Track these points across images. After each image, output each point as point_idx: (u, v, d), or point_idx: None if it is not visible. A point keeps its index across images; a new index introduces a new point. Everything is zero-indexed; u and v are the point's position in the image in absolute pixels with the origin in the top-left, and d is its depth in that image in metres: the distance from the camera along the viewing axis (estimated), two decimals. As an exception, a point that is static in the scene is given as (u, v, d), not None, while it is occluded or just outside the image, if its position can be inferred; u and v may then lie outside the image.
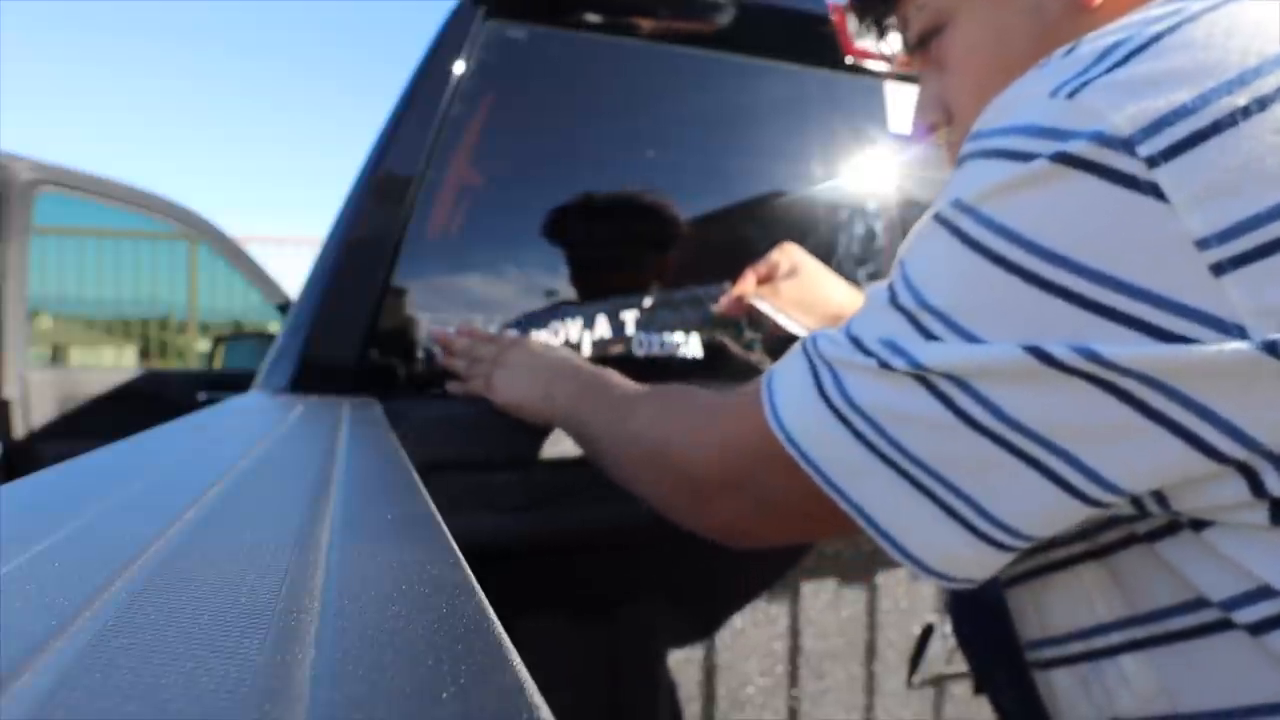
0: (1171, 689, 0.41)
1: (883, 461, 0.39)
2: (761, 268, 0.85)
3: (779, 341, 0.87)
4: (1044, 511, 0.37)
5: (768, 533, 0.54)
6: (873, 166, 1.03)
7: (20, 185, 1.75)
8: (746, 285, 0.85)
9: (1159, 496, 0.37)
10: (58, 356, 3.70)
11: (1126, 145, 0.33)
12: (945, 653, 0.99)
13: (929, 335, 0.38)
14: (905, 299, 0.39)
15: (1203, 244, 0.32)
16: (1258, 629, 0.36)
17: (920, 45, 0.53)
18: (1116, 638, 0.43)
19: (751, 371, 0.93)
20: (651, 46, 0.92)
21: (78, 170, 1.94)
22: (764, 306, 0.83)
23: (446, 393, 0.78)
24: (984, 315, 0.36)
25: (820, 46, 0.98)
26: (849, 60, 1.00)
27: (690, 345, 0.91)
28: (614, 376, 0.68)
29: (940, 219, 0.39)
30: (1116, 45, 0.36)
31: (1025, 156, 0.36)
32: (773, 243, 0.90)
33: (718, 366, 0.92)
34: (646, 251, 0.93)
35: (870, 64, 1.01)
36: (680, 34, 0.92)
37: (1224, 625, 0.38)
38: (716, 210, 0.96)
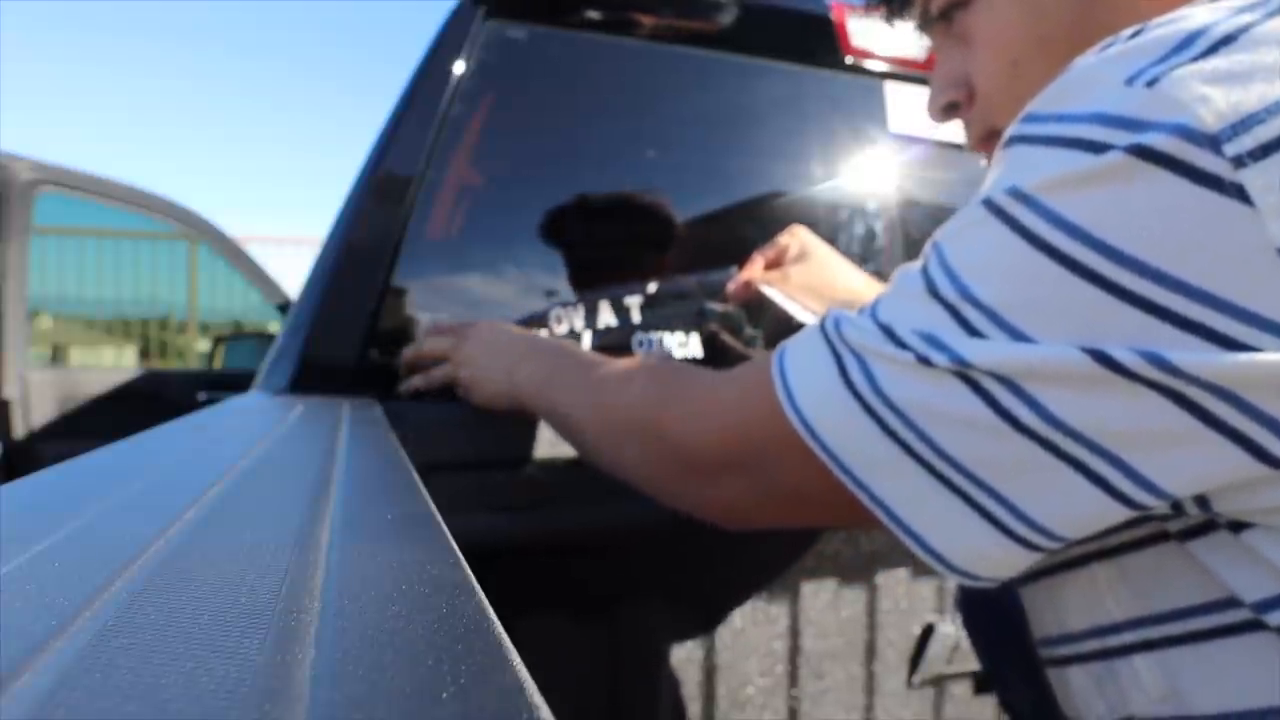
0: (1182, 690, 0.40)
1: (912, 458, 0.37)
2: (770, 252, 0.84)
3: (784, 331, 0.87)
4: (1083, 514, 0.35)
5: (771, 517, 0.52)
6: (873, 166, 1.03)
7: (20, 185, 1.75)
8: (754, 270, 0.83)
9: (1200, 498, 0.35)
10: (58, 356, 3.70)
11: (1212, 142, 0.31)
12: (945, 653, 0.99)
13: (972, 331, 0.35)
14: (946, 289, 0.37)
15: None
16: None
17: (942, 18, 0.51)
18: (1129, 637, 0.42)
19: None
20: (652, 46, 0.92)
21: (78, 170, 1.95)
22: (772, 293, 0.82)
23: (456, 396, 0.78)
24: (1037, 314, 0.34)
25: (820, 46, 0.98)
26: (849, 60, 1.00)
27: (691, 343, 0.90)
28: (582, 352, 0.66)
29: (993, 206, 0.36)
30: (1200, 33, 0.33)
31: (1097, 147, 0.33)
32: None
33: (719, 363, 0.92)
34: (647, 252, 0.93)
35: (870, 64, 1.01)
36: (680, 34, 0.92)
37: (1249, 626, 0.37)
38: (717, 210, 0.96)
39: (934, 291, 0.37)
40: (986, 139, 0.51)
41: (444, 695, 0.16)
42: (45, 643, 0.18)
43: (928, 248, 0.40)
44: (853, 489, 0.40)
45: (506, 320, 0.84)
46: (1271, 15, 0.33)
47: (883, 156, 1.03)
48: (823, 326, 0.43)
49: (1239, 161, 0.30)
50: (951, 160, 1.07)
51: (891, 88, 1.03)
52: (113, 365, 4.17)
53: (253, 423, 0.62)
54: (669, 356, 0.58)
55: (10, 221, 1.70)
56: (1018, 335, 0.34)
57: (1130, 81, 0.33)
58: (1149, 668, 0.41)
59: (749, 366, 0.48)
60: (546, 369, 0.66)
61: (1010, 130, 0.38)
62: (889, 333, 0.38)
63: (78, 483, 0.36)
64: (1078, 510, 0.35)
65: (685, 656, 0.89)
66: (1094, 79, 0.35)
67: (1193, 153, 0.31)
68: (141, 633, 0.19)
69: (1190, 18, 0.35)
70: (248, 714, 0.15)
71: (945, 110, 0.53)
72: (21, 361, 1.69)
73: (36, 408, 1.70)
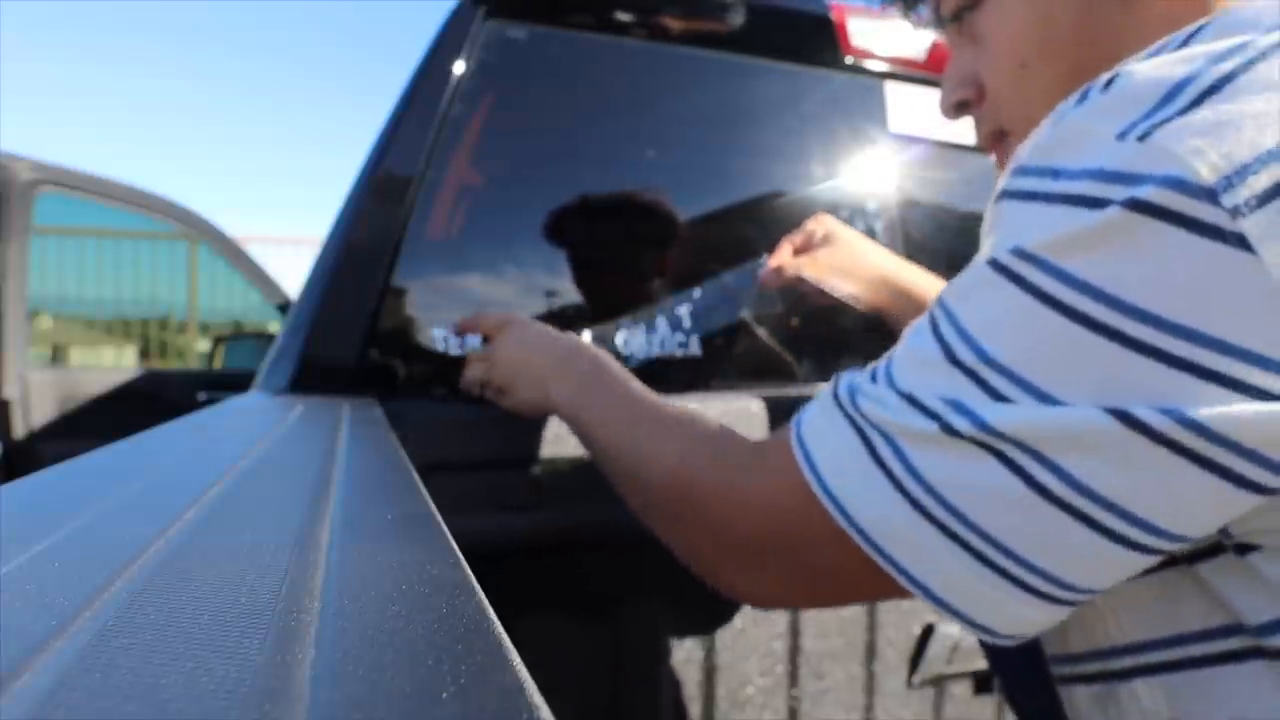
0: (1182, 715, 0.40)
1: (949, 538, 0.37)
2: (797, 238, 0.87)
3: (821, 311, 0.89)
4: (1113, 571, 0.36)
5: (804, 600, 0.51)
6: (873, 166, 1.03)
7: (20, 185, 1.75)
8: (783, 256, 0.87)
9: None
10: (58, 356, 3.70)
11: (1210, 194, 0.31)
12: (945, 653, 0.99)
13: (995, 394, 0.35)
14: (964, 354, 0.36)
15: None
16: None
17: (954, 19, 0.51)
18: (1129, 661, 0.43)
19: (769, 365, 0.93)
20: (651, 46, 0.92)
21: (78, 170, 1.95)
22: (803, 275, 0.86)
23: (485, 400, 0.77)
24: (1059, 373, 0.34)
25: (820, 46, 0.98)
26: (849, 60, 1.00)
27: (692, 342, 0.91)
28: (614, 373, 0.64)
29: (1000, 267, 0.36)
30: (1185, 83, 0.34)
31: (1096, 203, 0.33)
32: (774, 243, 0.91)
33: (722, 360, 0.92)
34: (647, 251, 0.93)
35: (870, 64, 1.01)
36: (680, 34, 0.92)
37: (1250, 653, 0.38)
38: (717, 210, 0.96)
39: (952, 358, 0.37)
40: (995, 138, 0.52)
41: (444, 695, 0.16)
42: (45, 643, 0.18)
43: (935, 309, 0.40)
44: (890, 571, 0.39)
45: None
46: (1253, 63, 0.34)
47: (883, 156, 1.03)
48: (837, 398, 0.42)
49: (1237, 211, 0.31)
50: (951, 160, 1.07)
51: (891, 88, 1.03)
52: (113, 365, 4.17)
53: (253, 423, 0.62)
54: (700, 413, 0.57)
55: (10, 221, 1.70)
56: (1039, 394, 0.34)
57: (1122, 136, 0.34)
58: (1149, 691, 0.42)
59: (774, 445, 0.46)
60: (579, 390, 0.64)
61: (1003, 184, 0.39)
62: (913, 402, 0.38)
63: (78, 483, 0.36)
64: (1107, 569, 0.36)
65: (685, 656, 0.89)
66: (1085, 133, 0.36)
67: (1190, 205, 0.31)
68: (141, 633, 0.19)
69: (1173, 64, 0.35)
70: (248, 714, 0.15)
71: (956, 108, 0.54)
72: (21, 361, 1.69)
73: (36, 408, 1.70)
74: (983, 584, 0.37)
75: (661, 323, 0.90)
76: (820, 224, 0.87)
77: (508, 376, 0.72)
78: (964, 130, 0.55)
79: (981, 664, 1.00)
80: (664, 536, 0.55)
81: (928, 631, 0.99)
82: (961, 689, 1.03)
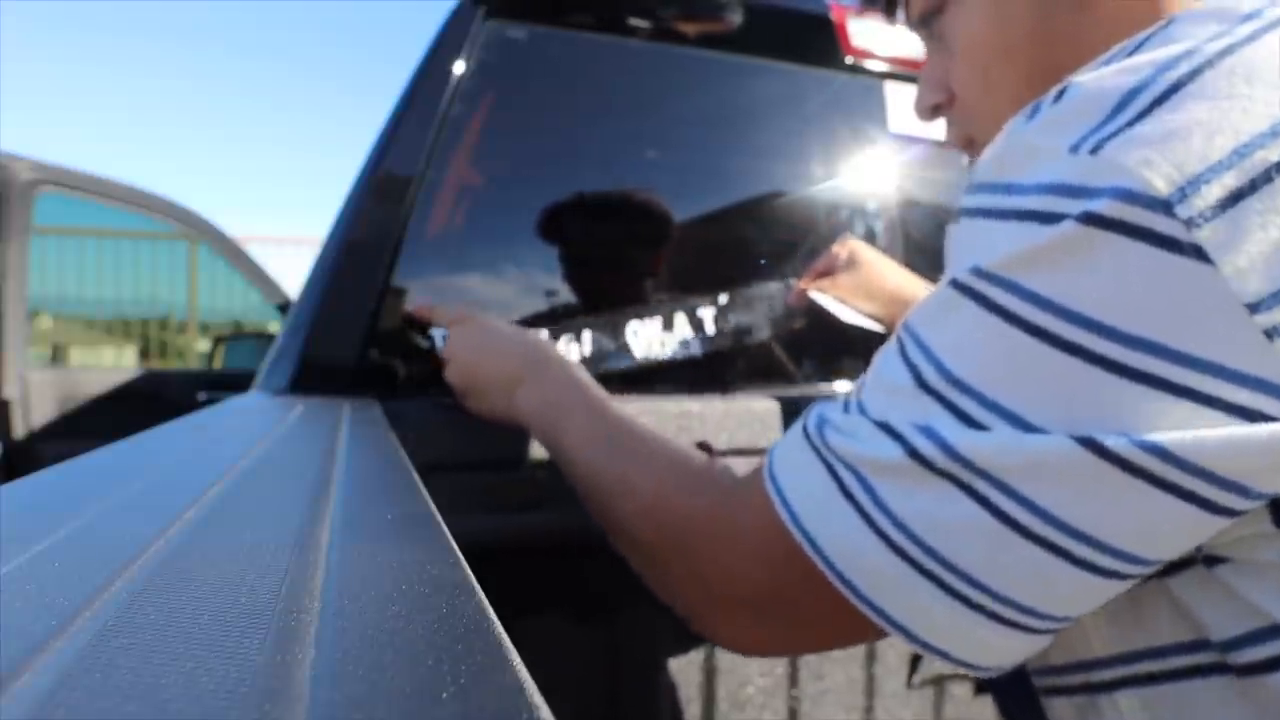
0: None
1: (921, 574, 0.36)
2: (820, 263, 0.90)
3: (840, 331, 0.91)
4: (1087, 599, 0.36)
5: (790, 646, 0.50)
6: (873, 166, 1.03)
7: (20, 185, 1.75)
8: (806, 280, 0.91)
9: None
10: (58, 356, 3.70)
11: (1165, 206, 0.31)
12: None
13: (964, 416, 0.35)
14: (932, 377, 0.36)
15: (1254, 307, 0.30)
16: (1259, 669, 0.36)
17: (923, 24, 0.52)
18: (1109, 674, 0.42)
19: (770, 367, 0.93)
20: (651, 46, 0.92)
21: (78, 170, 1.95)
22: (822, 299, 0.90)
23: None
24: (1026, 391, 0.33)
25: (820, 46, 0.98)
26: (849, 60, 1.00)
27: (692, 345, 0.91)
28: (582, 381, 0.62)
29: (962, 287, 0.36)
30: (1134, 93, 0.33)
31: (1051, 218, 0.33)
32: (774, 243, 0.91)
33: (726, 360, 0.92)
34: (648, 251, 0.93)
35: (870, 64, 1.02)
36: (680, 34, 0.92)
37: (1217, 668, 0.38)
38: (716, 210, 0.96)
39: (921, 382, 0.37)
40: (966, 142, 0.52)
41: (444, 695, 0.16)
42: (45, 643, 0.18)
43: (902, 333, 0.39)
44: (866, 611, 0.38)
45: (508, 319, 0.84)
46: (1199, 70, 0.33)
47: (883, 156, 1.03)
48: (808, 437, 0.41)
49: (1192, 223, 0.31)
50: (951, 160, 1.07)
51: (891, 88, 1.03)
52: (113, 365, 4.17)
53: (253, 423, 0.62)
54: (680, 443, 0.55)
55: (10, 221, 1.71)
56: (1007, 414, 0.34)
57: (1075, 149, 0.34)
58: (1130, 704, 0.41)
59: (749, 484, 0.45)
60: (547, 403, 0.62)
61: (962, 201, 0.39)
62: (886, 429, 0.37)
63: (78, 483, 0.36)
64: (1082, 596, 0.36)
65: (685, 657, 0.89)
66: (1036, 147, 0.35)
67: (1145, 216, 0.31)
68: (141, 633, 0.19)
69: (1122, 73, 0.35)
70: (248, 714, 0.15)
71: (930, 111, 0.54)
72: (21, 361, 1.69)
73: (36, 408, 1.70)
74: (958, 619, 0.36)
75: (662, 323, 0.90)
76: (844, 248, 0.89)
77: (466, 379, 0.69)
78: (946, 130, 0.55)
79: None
80: (640, 570, 0.54)
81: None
82: (961, 690, 1.03)
